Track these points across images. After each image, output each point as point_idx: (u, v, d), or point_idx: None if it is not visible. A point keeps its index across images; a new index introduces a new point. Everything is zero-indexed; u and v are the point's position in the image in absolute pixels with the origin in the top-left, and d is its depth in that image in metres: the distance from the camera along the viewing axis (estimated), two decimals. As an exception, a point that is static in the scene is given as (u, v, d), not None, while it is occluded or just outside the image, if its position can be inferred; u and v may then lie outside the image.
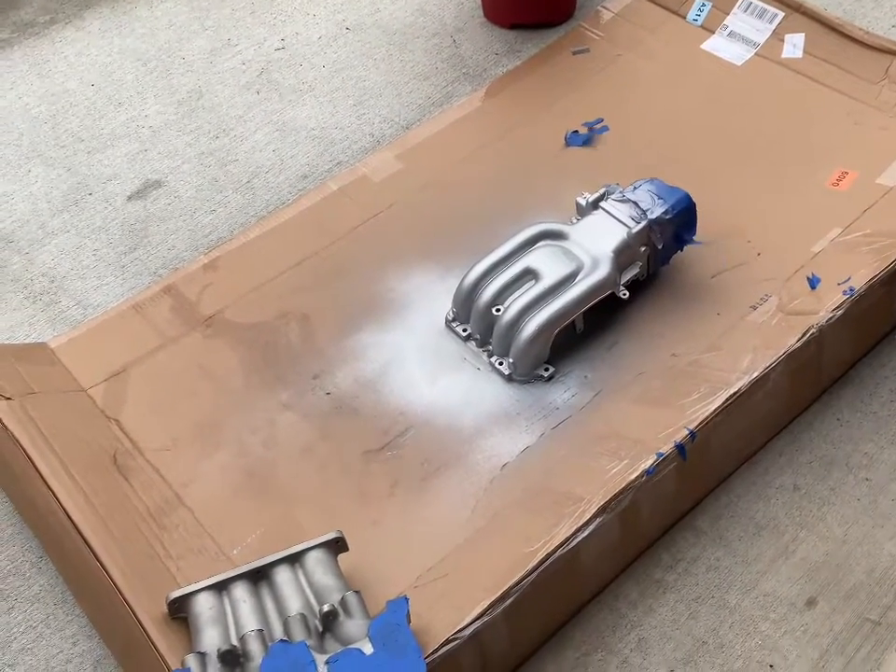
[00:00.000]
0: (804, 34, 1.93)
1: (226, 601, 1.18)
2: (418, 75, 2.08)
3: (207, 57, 2.15)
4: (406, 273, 1.66)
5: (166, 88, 2.09)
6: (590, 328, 1.52)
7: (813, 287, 1.47)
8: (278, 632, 1.14)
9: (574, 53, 2.02)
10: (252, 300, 1.64)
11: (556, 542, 1.19)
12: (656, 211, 1.51)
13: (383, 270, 1.67)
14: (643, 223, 1.50)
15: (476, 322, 1.52)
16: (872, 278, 1.43)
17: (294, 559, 1.21)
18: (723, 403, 1.32)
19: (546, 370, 1.48)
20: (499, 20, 2.17)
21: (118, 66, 2.15)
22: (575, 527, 1.20)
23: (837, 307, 1.41)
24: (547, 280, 1.48)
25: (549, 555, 1.18)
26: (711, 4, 2.04)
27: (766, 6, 1.98)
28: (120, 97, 2.07)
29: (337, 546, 1.23)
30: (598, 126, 1.85)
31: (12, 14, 2.29)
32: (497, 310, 1.49)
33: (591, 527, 1.21)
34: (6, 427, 1.36)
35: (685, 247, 1.55)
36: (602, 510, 1.22)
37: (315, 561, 1.20)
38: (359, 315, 1.61)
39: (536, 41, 2.11)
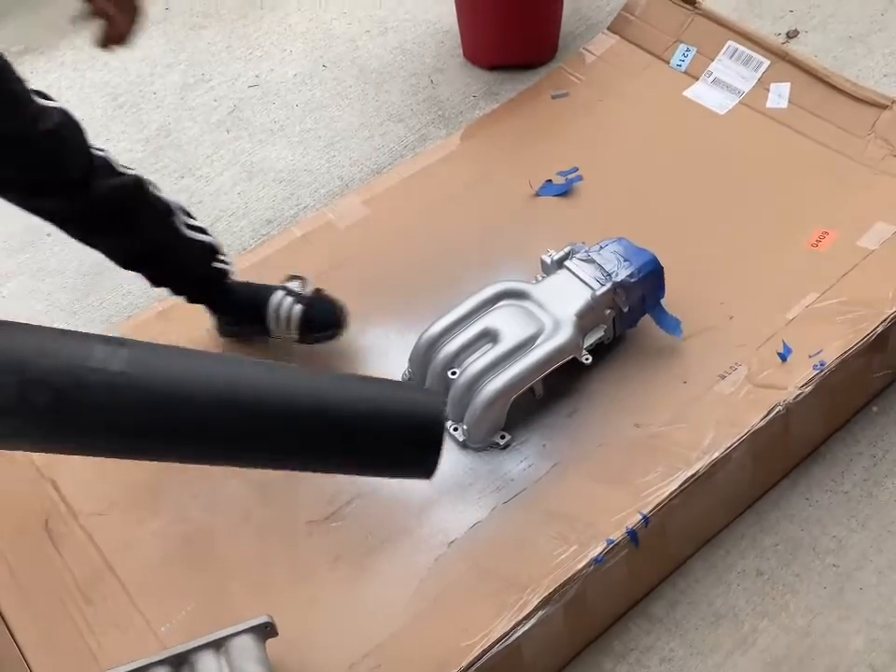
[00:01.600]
0: (789, 83, 1.86)
1: (144, 689, 1.12)
2: (393, 116, 2.02)
3: (179, 92, 2.10)
4: (364, 328, 1.59)
5: (135, 124, 2.04)
6: (550, 393, 1.45)
7: (784, 359, 1.40)
8: (194, 727, 1.08)
9: (554, 97, 1.97)
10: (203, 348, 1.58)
11: (495, 637, 1.13)
12: (621, 274, 1.44)
13: (342, 323, 1.61)
14: (607, 286, 1.44)
15: (432, 384, 1.46)
16: (844, 352, 1.36)
17: (219, 645, 1.15)
18: (680, 486, 1.25)
19: (502, 437, 1.41)
20: (479, 60, 2.11)
21: (87, 100, 2.10)
22: (515, 621, 1.14)
23: (806, 383, 1.34)
24: (506, 343, 1.41)
25: (486, 651, 1.12)
26: (696, 49, 1.98)
27: (752, 53, 1.91)
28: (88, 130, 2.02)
29: (266, 632, 1.16)
30: (572, 176, 1.79)
31: (-15, 43, 2.25)
32: (454, 373, 1.42)
33: (532, 620, 1.14)
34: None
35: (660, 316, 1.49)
36: (545, 602, 1.15)
37: (241, 649, 1.13)
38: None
39: (515, 83, 2.05)
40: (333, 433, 0.87)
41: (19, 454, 1.45)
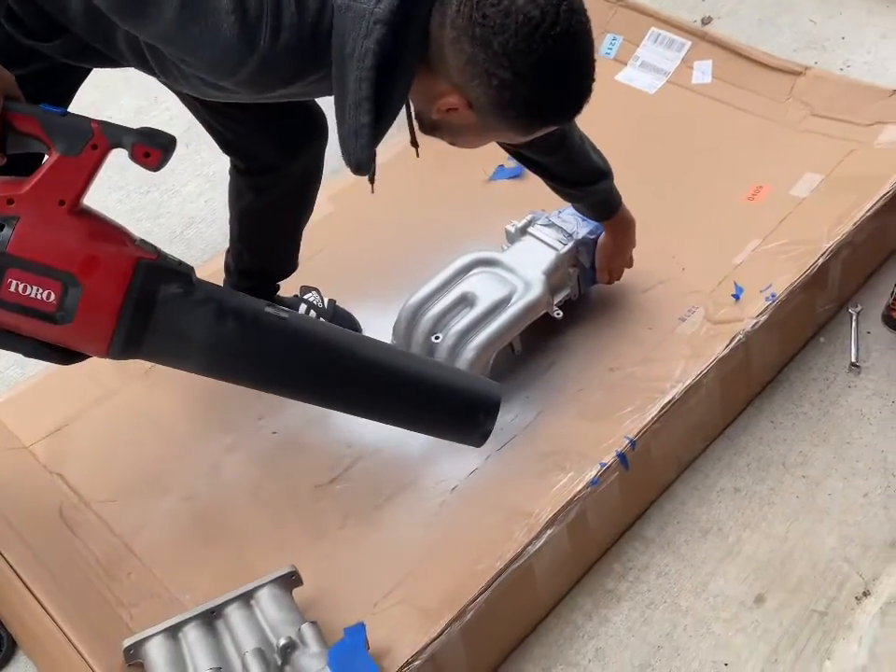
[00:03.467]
0: (711, 60, 2.02)
1: (183, 644, 1.17)
2: (345, 120, 2.12)
3: (135, 115, 2.17)
4: (346, 310, 1.68)
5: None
6: (528, 349, 1.55)
7: (737, 297, 1.52)
8: (238, 669, 1.14)
9: (495, 91, 2.09)
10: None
11: (508, 557, 1.21)
12: (581, 232, 1.56)
13: (322, 308, 1.69)
14: (570, 244, 1.55)
15: (417, 351, 1.54)
16: (792, 283, 1.50)
17: (248, 597, 1.21)
18: (660, 411, 1.36)
19: (488, 393, 1.50)
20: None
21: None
22: (525, 542, 1.23)
23: (761, 313, 1.47)
24: (482, 305, 1.51)
25: (501, 571, 1.20)
26: (622, 37, 2.13)
27: (674, 36, 2.07)
28: (49, 158, 2.08)
29: (292, 581, 1.22)
30: (523, 158, 1.90)
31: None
32: (437, 338, 1.51)
33: (541, 541, 1.23)
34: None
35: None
36: (550, 522, 1.25)
37: (270, 597, 1.20)
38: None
39: (457, 82, 2.17)
40: (427, 399, 1.18)
41: (23, 453, 1.49)
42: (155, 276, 0.99)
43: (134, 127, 0.96)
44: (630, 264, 1.57)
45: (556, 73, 0.98)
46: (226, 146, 1.45)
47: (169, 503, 1.42)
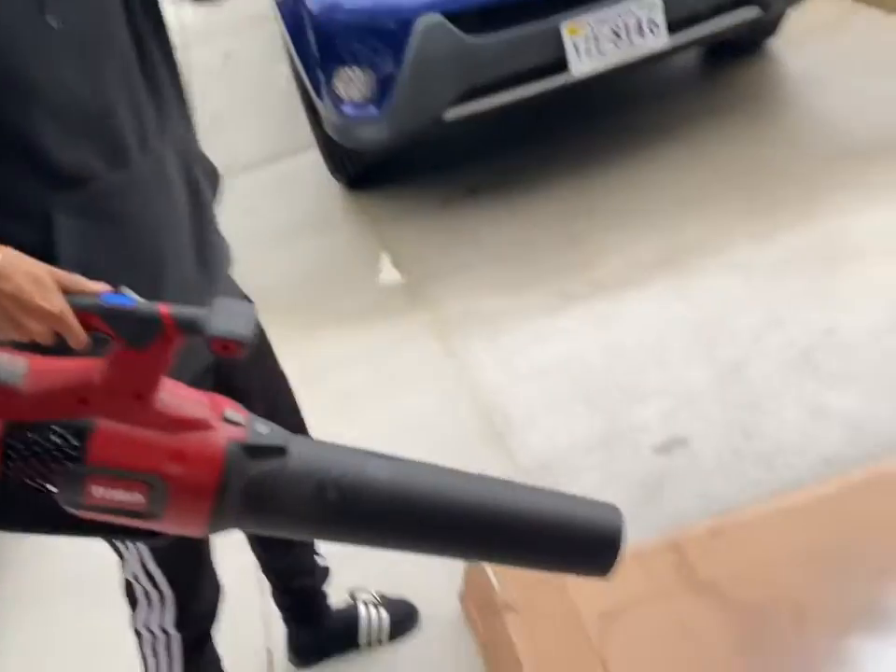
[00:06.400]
0: None
1: None
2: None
3: (754, 332, 2.27)
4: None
5: (708, 356, 2.24)
6: None
7: None
8: None
9: None
10: (750, 577, 1.64)
11: None
12: None
13: (897, 579, 1.55)
14: None
15: None
16: None
17: None
18: None
19: None
20: None
21: (668, 330, 2.36)
22: None
23: None
24: None
25: None
26: None
27: None
28: (665, 358, 2.27)
29: None
30: None
31: (589, 272, 2.66)
32: None
33: None
34: (512, 640, 1.54)
35: None
36: None
37: None
38: (863, 620, 1.51)
39: None
40: (546, 535, 1.04)
41: (580, 628, 1.62)
42: (248, 457, 0.93)
43: (212, 310, 0.89)
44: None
45: None
46: None
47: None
